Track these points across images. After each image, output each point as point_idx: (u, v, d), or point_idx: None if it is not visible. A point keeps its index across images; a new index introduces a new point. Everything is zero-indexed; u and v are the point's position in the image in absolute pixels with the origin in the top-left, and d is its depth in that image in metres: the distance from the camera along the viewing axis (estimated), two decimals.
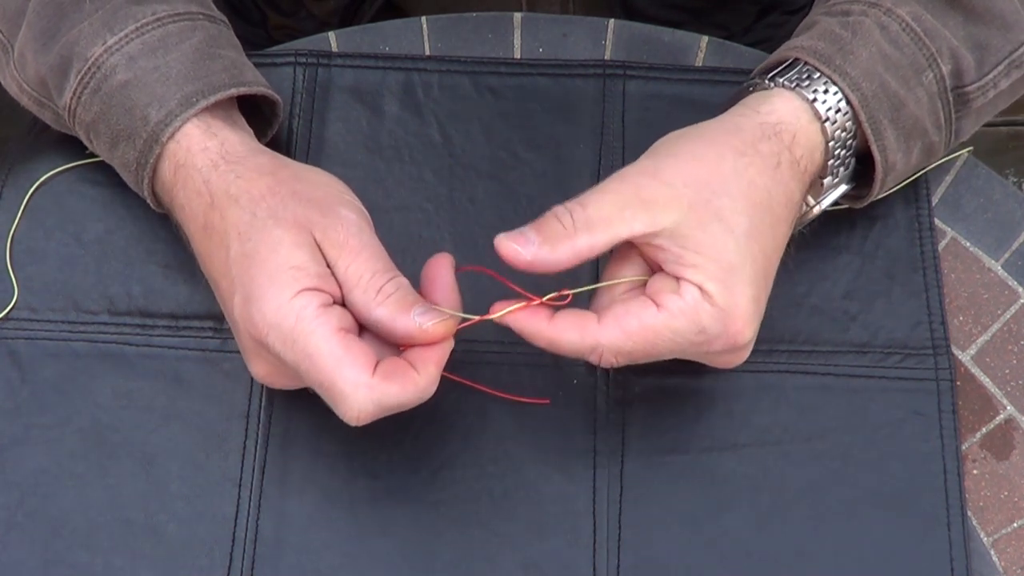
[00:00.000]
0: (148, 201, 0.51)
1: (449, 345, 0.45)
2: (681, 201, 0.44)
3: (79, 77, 0.50)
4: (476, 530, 0.51)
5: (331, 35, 0.62)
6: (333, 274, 0.44)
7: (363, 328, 0.45)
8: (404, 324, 0.43)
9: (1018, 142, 1.18)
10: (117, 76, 0.49)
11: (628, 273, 0.47)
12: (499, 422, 0.53)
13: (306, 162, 0.58)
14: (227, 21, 0.55)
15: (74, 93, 0.50)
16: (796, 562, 0.51)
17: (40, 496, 0.52)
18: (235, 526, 0.51)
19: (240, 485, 0.52)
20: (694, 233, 0.43)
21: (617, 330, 0.43)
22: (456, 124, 0.59)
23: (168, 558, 0.51)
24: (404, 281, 0.45)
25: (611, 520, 0.51)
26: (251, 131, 0.52)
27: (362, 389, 0.42)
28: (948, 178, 0.59)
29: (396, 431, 0.53)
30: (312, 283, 0.43)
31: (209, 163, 0.47)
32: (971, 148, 0.58)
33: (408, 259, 0.56)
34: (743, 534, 0.51)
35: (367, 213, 0.47)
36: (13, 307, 0.55)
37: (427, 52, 0.61)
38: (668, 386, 0.53)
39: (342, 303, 0.45)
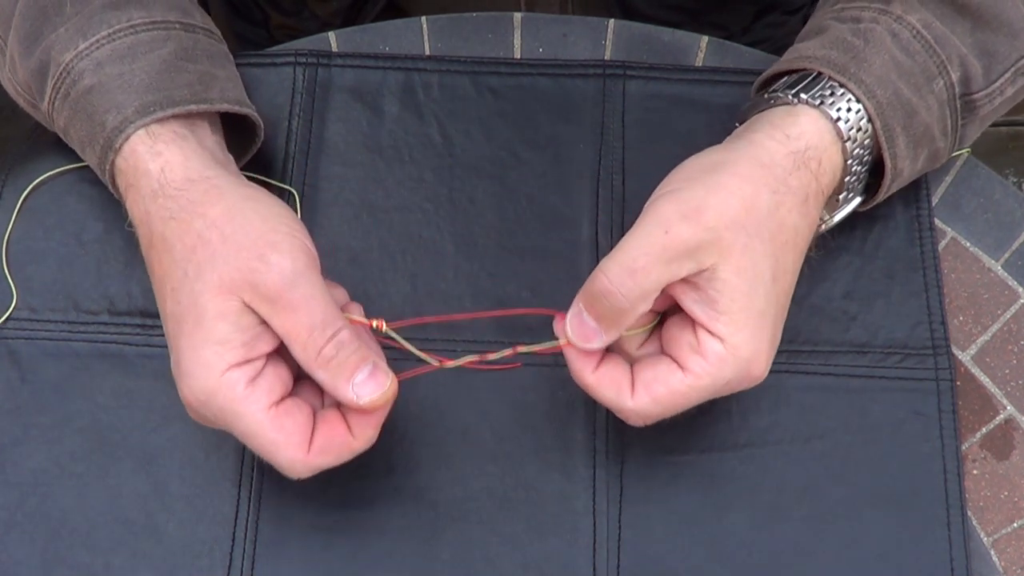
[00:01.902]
0: None
1: (393, 391, 0.45)
2: (721, 244, 0.43)
3: (53, 82, 0.49)
4: (476, 530, 0.51)
5: (331, 35, 0.62)
6: (271, 327, 0.44)
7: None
8: (344, 395, 0.43)
9: (1018, 142, 1.18)
10: (84, 81, 0.49)
11: (639, 318, 0.46)
12: (499, 422, 0.53)
13: (306, 163, 0.58)
14: (210, 29, 0.54)
15: (49, 99, 0.50)
16: (796, 562, 0.51)
17: (40, 496, 0.52)
18: (235, 526, 0.51)
19: (240, 485, 0.52)
20: (731, 279, 0.43)
21: (647, 398, 0.45)
22: (456, 124, 0.59)
23: (168, 558, 0.51)
24: (344, 336, 0.43)
25: (611, 520, 0.51)
26: (213, 142, 0.51)
27: (298, 465, 0.44)
28: (948, 178, 0.59)
29: (395, 431, 0.53)
30: (237, 358, 0.43)
31: (150, 192, 0.46)
32: (969, 148, 0.58)
33: (408, 259, 0.56)
34: (743, 534, 0.51)
35: (308, 244, 0.45)
36: (14, 309, 0.55)
37: (427, 52, 0.61)
38: None
39: (281, 348, 0.44)
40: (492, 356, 0.46)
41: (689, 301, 0.44)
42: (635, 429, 0.53)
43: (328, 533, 0.51)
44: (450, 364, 0.46)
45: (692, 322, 0.45)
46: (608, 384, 0.46)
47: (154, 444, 0.53)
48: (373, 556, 0.51)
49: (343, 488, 0.52)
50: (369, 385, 0.43)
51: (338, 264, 0.56)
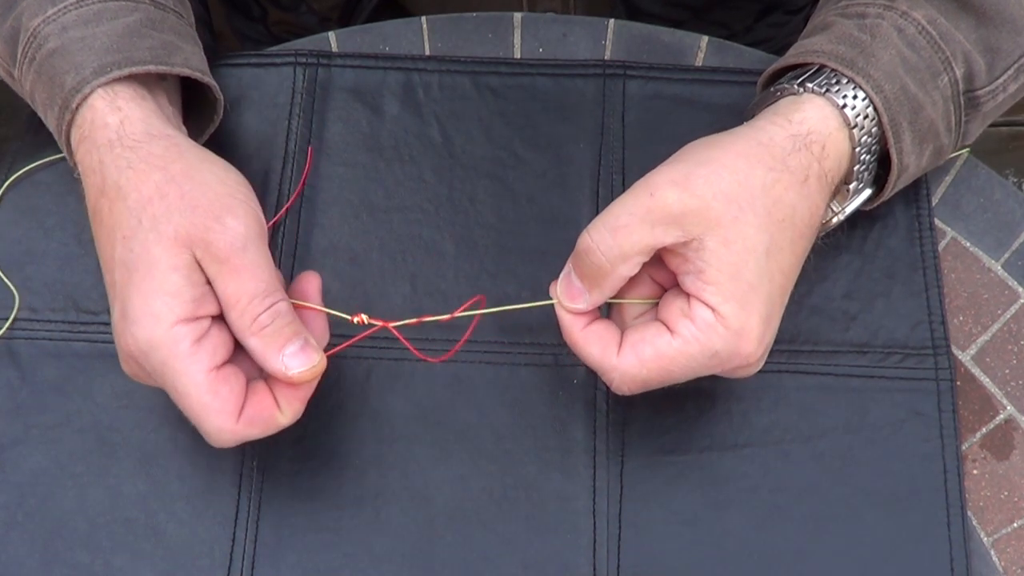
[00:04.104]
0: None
1: (322, 367, 0.45)
2: (709, 214, 0.43)
3: (22, 48, 0.50)
4: (476, 530, 0.51)
5: (331, 35, 0.62)
6: (214, 289, 0.44)
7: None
8: (272, 365, 0.44)
9: (1018, 142, 1.18)
10: (48, 45, 0.49)
11: (639, 290, 0.47)
12: (499, 422, 0.53)
13: (306, 163, 0.58)
14: (180, 13, 0.54)
15: (19, 64, 0.50)
16: (796, 562, 0.51)
17: (40, 496, 0.52)
18: (235, 526, 0.51)
19: (240, 485, 0.52)
20: (719, 249, 0.43)
21: (633, 357, 0.45)
22: (456, 124, 0.59)
23: (168, 558, 0.51)
24: (282, 307, 0.45)
25: (611, 520, 0.51)
26: (171, 112, 0.52)
27: (225, 434, 0.44)
28: (948, 178, 0.59)
29: (395, 431, 0.53)
30: (186, 312, 0.43)
31: (106, 142, 0.47)
32: (969, 148, 0.58)
33: (408, 259, 0.56)
34: (743, 534, 0.51)
35: (260, 214, 0.46)
36: (17, 311, 0.55)
37: (427, 52, 0.61)
38: (668, 386, 0.53)
39: (222, 314, 0.45)
40: (459, 312, 0.47)
41: (681, 274, 0.45)
42: (635, 429, 0.53)
43: (328, 533, 0.51)
44: (413, 323, 0.47)
45: (687, 294, 0.45)
46: (594, 340, 0.46)
47: (154, 444, 0.53)
48: (373, 556, 0.51)
49: (343, 488, 0.52)
50: (299, 357, 0.44)
51: (338, 264, 0.56)
